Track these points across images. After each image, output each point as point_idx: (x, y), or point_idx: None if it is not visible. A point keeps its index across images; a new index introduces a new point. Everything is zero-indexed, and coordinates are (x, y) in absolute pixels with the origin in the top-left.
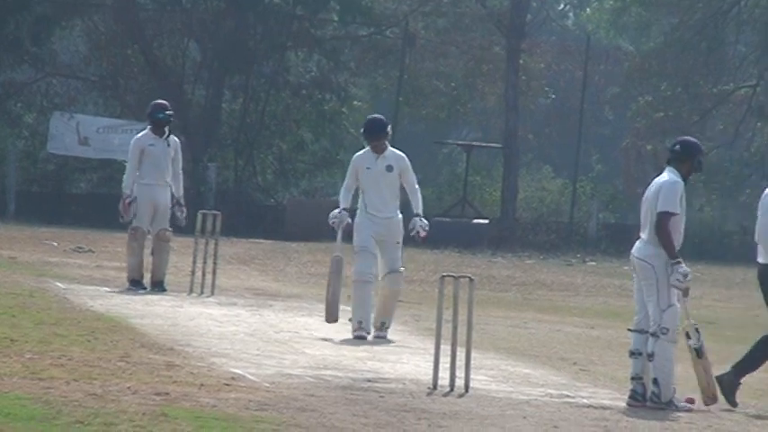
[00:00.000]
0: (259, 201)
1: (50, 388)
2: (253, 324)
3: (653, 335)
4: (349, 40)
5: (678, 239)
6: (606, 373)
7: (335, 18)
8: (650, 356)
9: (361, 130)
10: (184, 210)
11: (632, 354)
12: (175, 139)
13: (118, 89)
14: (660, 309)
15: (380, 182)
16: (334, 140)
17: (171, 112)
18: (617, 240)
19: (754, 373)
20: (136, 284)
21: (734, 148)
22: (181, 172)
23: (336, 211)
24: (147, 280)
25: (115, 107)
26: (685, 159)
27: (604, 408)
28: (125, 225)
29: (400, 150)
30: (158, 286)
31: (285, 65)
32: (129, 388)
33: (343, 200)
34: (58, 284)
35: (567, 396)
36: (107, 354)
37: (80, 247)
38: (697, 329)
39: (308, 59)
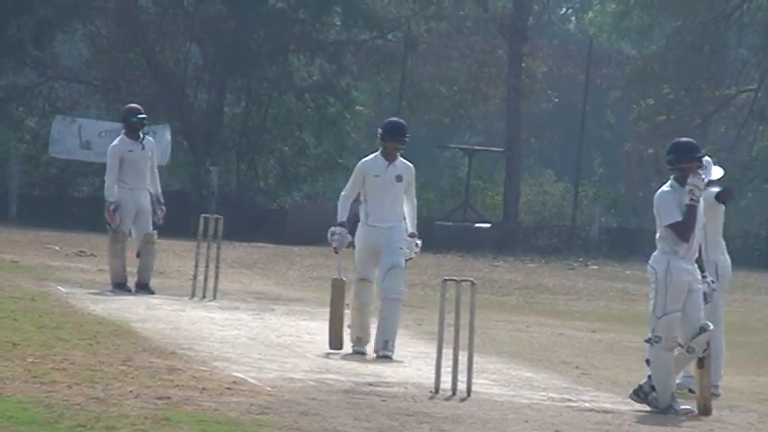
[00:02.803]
0: (261, 204)
1: (52, 392)
2: (254, 328)
3: (647, 341)
4: (351, 44)
5: (692, 247)
6: (608, 377)
7: (338, 22)
8: (647, 362)
9: (380, 131)
10: (164, 208)
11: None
12: (150, 139)
13: (120, 93)
14: (656, 316)
15: (388, 191)
16: (337, 144)
17: (144, 115)
18: (619, 244)
19: (758, 378)
20: (120, 287)
21: (735, 151)
22: (157, 171)
23: (337, 229)
24: (130, 282)
25: (117, 111)
26: (668, 163)
27: (606, 411)
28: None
29: (405, 158)
30: (144, 288)
31: (287, 68)
32: (131, 392)
33: (343, 210)
34: (60, 288)
35: (569, 400)
36: (109, 357)
37: (82, 251)
38: (707, 341)
39: (310, 63)
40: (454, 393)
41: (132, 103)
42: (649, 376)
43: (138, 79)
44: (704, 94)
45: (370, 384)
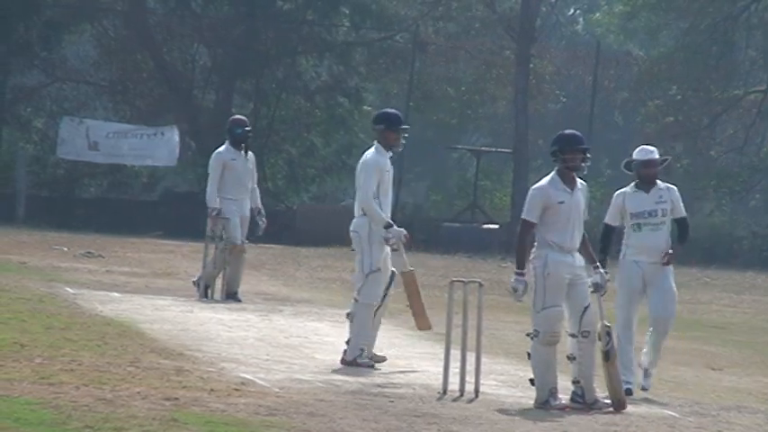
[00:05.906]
0: (269, 205)
1: (60, 393)
2: (262, 329)
3: (528, 335)
4: (359, 45)
5: (572, 240)
6: None
7: (346, 23)
8: (528, 355)
9: (381, 122)
10: (265, 220)
11: (568, 358)
12: (252, 154)
13: (127, 94)
14: (535, 310)
15: (390, 185)
16: (345, 144)
17: (249, 127)
18: None
19: (764, 378)
20: (207, 289)
21: (744, 152)
22: (257, 186)
23: (393, 229)
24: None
25: (125, 112)
26: (552, 155)
27: (613, 412)
28: (135, 230)
29: (401, 155)
30: (233, 297)
31: (295, 69)
32: (138, 393)
33: (384, 211)
34: (68, 289)
35: None
36: (117, 359)
37: (90, 252)
38: (608, 333)
39: (318, 64)
40: (462, 394)
41: (139, 104)
42: (573, 382)
43: (146, 81)
44: (712, 96)
45: (378, 386)
